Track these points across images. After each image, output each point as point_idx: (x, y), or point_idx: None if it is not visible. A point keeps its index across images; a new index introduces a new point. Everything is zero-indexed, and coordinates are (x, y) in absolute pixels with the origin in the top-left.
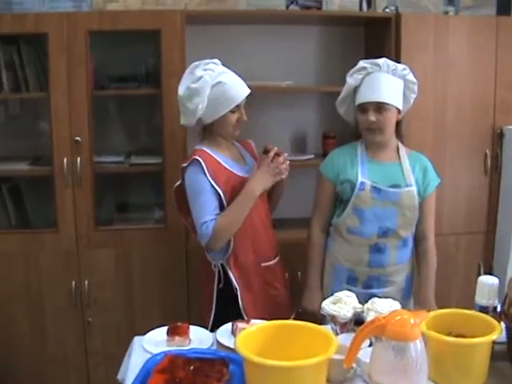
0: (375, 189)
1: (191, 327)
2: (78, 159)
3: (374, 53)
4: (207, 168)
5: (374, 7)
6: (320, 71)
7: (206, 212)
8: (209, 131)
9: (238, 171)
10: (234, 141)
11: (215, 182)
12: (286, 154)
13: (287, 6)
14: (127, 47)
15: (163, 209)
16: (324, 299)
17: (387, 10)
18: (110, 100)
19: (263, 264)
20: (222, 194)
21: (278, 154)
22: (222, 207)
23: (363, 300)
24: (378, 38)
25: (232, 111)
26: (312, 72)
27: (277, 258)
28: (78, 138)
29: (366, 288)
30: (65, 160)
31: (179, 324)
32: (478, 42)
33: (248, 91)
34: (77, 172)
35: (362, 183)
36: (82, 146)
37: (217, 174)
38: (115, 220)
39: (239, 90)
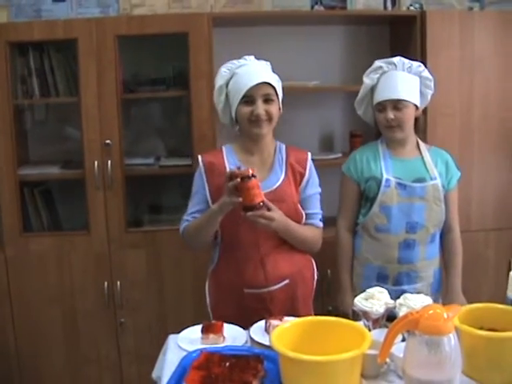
0: (400, 185)
1: (225, 325)
2: (109, 162)
3: (399, 51)
4: (205, 170)
5: (399, 5)
6: (346, 70)
7: (188, 211)
8: (239, 130)
9: None
10: (276, 146)
11: (208, 186)
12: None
13: (312, 7)
14: (155, 50)
15: None
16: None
17: (411, 7)
18: (139, 103)
19: (247, 290)
20: (209, 200)
21: (235, 176)
22: None
23: (394, 297)
24: (403, 36)
25: (245, 104)
26: (338, 71)
27: (280, 284)
28: (108, 141)
29: (396, 285)
30: (95, 163)
31: (213, 322)
32: (504, 37)
33: (259, 80)
34: (107, 175)
35: (387, 180)
36: (112, 148)
37: (214, 178)
38: (146, 221)
39: (248, 79)
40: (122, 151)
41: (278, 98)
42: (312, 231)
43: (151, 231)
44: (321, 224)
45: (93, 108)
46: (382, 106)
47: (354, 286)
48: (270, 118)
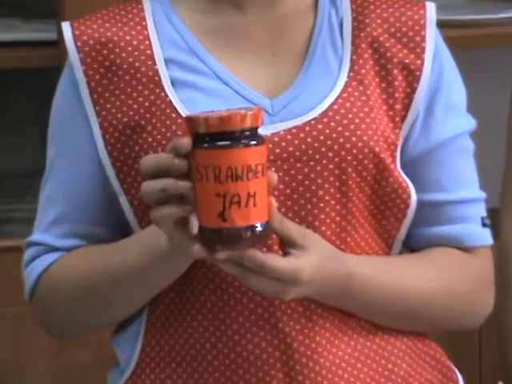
0: None
1: None
2: None
3: None
4: (88, 70)
5: None
6: None
7: (47, 215)
8: None
9: (210, 103)
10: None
11: (102, 125)
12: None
13: None
14: None
15: None
16: None
17: None
18: None
19: None
20: (109, 171)
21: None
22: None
23: None
24: None
25: None
26: None
27: None
28: None
29: None
30: None
31: None
32: None
33: None
34: None
35: None
36: None
37: (120, 96)
38: None
39: None
40: None
41: None
42: (452, 269)
43: None
44: (486, 238)
45: None
46: None
47: None
48: None
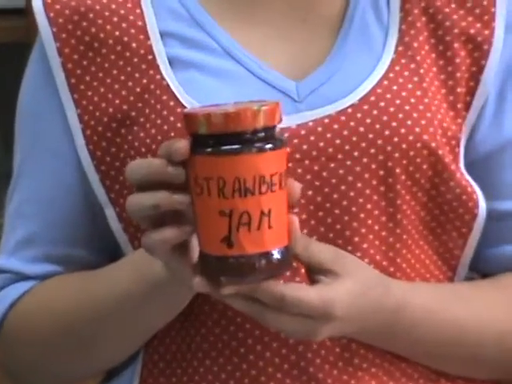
0: None
1: None
2: None
3: None
4: (62, 49)
5: None
6: None
7: (17, 237)
8: None
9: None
10: None
11: (82, 116)
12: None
13: None
14: None
15: None
16: None
17: None
18: None
19: None
20: (91, 179)
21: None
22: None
23: None
24: None
25: None
26: None
27: None
28: None
29: None
30: None
31: None
32: None
33: None
34: None
35: None
36: None
37: (105, 81)
38: None
39: None
40: None
41: None
42: None
43: None
44: None
45: None
46: None
47: None
48: None
